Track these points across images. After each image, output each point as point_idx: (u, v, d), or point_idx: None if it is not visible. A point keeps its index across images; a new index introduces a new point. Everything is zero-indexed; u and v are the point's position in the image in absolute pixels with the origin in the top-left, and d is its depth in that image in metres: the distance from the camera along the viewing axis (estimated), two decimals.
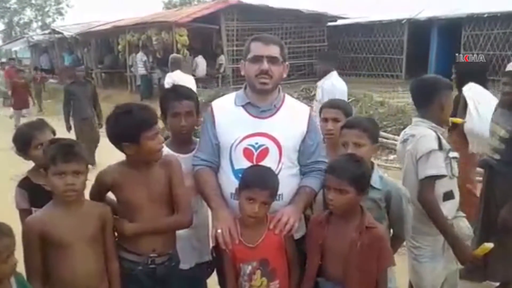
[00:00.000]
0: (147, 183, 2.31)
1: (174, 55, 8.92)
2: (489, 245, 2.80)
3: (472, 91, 4.21)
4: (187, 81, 7.14)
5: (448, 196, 2.77)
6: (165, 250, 2.38)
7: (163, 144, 2.33)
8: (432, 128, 2.79)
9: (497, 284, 3.69)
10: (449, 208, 2.76)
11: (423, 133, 2.77)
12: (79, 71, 8.32)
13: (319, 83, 5.55)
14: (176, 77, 7.29)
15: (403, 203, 2.44)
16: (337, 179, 2.18)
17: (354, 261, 2.15)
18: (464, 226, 2.84)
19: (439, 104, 2.79)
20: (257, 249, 2.24)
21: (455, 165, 2.78)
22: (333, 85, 5.26)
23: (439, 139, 2.73)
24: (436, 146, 2.70)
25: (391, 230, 2.54)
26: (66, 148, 2.12)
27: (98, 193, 2.38)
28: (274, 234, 2.25)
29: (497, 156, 3.50)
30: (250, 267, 2.24)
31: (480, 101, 4.12)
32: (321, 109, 3.04)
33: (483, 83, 4.32)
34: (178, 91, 2.74)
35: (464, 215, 2.90)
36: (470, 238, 2.93)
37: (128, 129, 2.21)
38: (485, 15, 13.93)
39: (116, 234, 2.33)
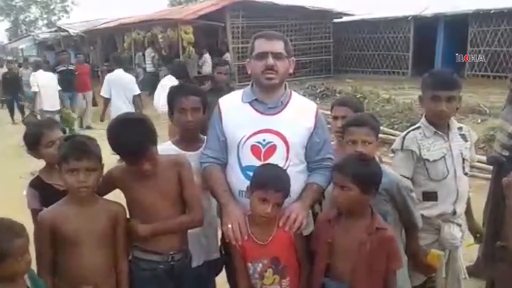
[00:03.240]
0: (158, 183, 2.31)
1: (35, 59, 11.91)
2: (436, 252, 2.63)
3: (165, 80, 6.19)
4: (47, 78, 9.44)
5: (429, 196, 2.73)
6: (181, 247, 2.40)
7: (150, 169, 2.26)
8: (422, 125, 2.77)
9: None
10: (429, 208, 2.73)
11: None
12: (221, 72, 5.86)
13: None
14: (39, 75, 9.43)
15: (405, 195, 2.45)
16: (340, 176, 2.20)
17: (363, 261, 2.15)
18: (448, 232, 2.74)
19: (425, 102, 2.76)
20: (268, 246, 2.25)
21: (437, 167, 2.70)
22: None
23: (403, 139, 2.75)
24: (398, 146, 2.77)
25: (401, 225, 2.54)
26: (78, 146, 2.13)
27: (101, 189, 2.37)
28: (284, 232, 2.25)
29: (506, 153, 3.48)
30: (260, 265, 2.25)
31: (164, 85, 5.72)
32: (332, 106, 3.04)
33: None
34: (185, 87, 2.74)
35: (460, 222, 2.81)
36: (453, 245, 2.79)
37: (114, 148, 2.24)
38: (492, 11, 13.84)
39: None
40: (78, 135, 2.35)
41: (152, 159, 2.23)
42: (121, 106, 7.30)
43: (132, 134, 2.17)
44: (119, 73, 7.66)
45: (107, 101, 7.60)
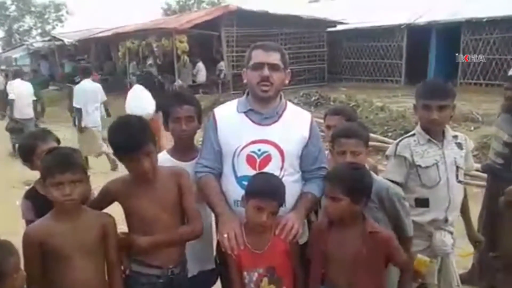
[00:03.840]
0: (156, 194, 2.30)
1: (15, 68, 12.29)
2: (423, 258, 2.62)
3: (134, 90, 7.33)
4: (23, 87, 9.78)
5: (421, 203, 2.74)
6: (180, 259, 2.38)
7: (148, 168, 2.24)
8: (417, 132, 2.79)
9: None
10: (421, 215, 2.73)
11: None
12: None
13: None
14: (15, 84, 9.81)
15: (395, 201, 2.44)
16: (330, 187, 2.20)
17: (361, 269, 2.15)
18: (439, 239, 2.75)
19: (418, 111, 2.77)
20: (264, 255, 2.24)
21: (429, 173, 2.71)
22: None
23: (396, 145, 2.78)
24: (391, 152, 2.80)
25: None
26: (61, 158, 2.09)
27: (99, 203, 2.37)
28: (280, 241, 2.25)
29: (500, 161, 3.50)
30: (256, 274, 2.24)
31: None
32: (325, 115, 3.05)
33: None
34: (179, 97, 2.74)
35: (451, 230, 2.81)
36: (444, 252, 2.79)
37: (115, 146, 2.27)
38: (484, 20, 13.96)
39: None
40: (61, 147, 2.32)
41: (150, 155, 2.22)
42: (90, 113, 8.00)
43: (129, 130, 2.23)
44: (85, 83, 8.23)
45: (80, 110, 8.08)
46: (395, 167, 2.76)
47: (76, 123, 8.39)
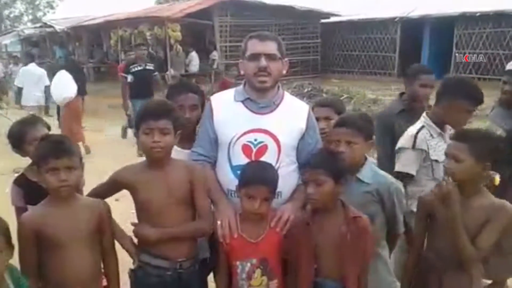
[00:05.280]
0: (166, 184, 2.25)
1: None
2: None
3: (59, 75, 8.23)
4: None
5: None
6: (190, 253, 2.33)
7: (162, 145, 2.20)
8: (426, 125, 2.79)
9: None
10: None
11: (409, 130, 2.85)
12: (426, 84, 3.44)
13: None
14: None
15: (394, 197, 2.42)
16: (312, 171, 2.17)
17: (348, 253, 2.14)
18: None
19: (445, 106, 2.78)
20: (258, 245, 2.23)
21: (442, 167, 2.67)
22: None
23: (415, 138, 2.77)
24: (408, 144, 2.78)
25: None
26: (56, 144, 2.07)
27: (106, 190, 2.35)
28: (275, 233, 2.24)
29: None
30: (249, 265, 2.22)
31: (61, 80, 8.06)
32: (312, 108, 3.02)
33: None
34: (184, 85, 2.73)
35: None
36: None
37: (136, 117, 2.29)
38: (478, 14, 14.02)
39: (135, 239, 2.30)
40: (55, 134, 2.29)
41: (166, 134, 2.20)
42: (34, 95, 8.88)
43: (164, 101, 2.41)
44: (31, 67, 9.29)
45: (20, 90, 9.11)
46: (412, 160, 2.76)
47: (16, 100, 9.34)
